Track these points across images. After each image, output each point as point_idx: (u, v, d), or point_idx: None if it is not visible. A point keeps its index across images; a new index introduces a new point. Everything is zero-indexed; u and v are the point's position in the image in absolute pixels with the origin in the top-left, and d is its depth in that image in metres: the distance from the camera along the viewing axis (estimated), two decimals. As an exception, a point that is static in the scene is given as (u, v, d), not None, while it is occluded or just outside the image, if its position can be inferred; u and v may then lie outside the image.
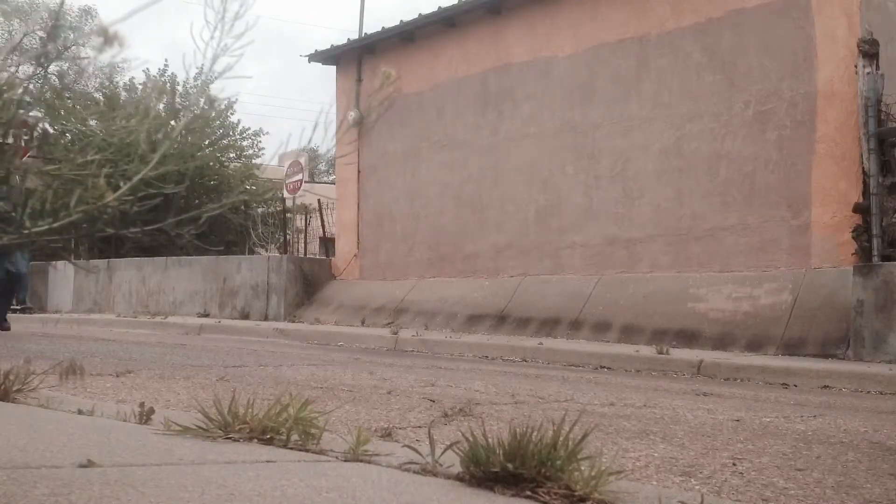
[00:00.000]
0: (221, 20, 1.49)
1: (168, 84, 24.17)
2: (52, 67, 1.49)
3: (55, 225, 1.41)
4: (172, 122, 1.58)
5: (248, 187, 20.41)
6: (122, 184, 1.45)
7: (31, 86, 1.46)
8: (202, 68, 1.53)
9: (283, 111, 67.13)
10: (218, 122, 21.23)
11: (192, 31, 1.51)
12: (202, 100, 1.73)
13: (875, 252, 8.14)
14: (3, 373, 3.12)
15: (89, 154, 1.44)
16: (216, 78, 1.55)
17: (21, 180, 1.42)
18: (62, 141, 1.54)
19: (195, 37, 1.50)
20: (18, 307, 15.69)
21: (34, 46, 1.53)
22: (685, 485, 2.51)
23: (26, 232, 1.39)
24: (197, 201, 17.14)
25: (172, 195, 1.58)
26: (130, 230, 1.55)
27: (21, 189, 1.40)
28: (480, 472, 1.95)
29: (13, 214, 1.39)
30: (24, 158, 1.50)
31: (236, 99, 28.68)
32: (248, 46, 1.51)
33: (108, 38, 1.42)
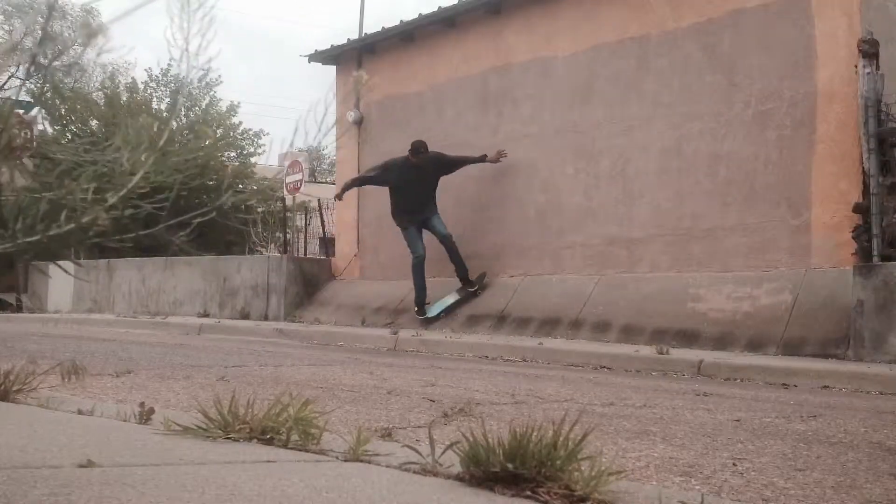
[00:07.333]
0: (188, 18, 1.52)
1: (174, 84, 24.21)
2: (54, 65, 1.51)
3: (47, 235, 1.44)
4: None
5: (241, 186, 20.37)
6: (110, 196, 1.48)
7: (30, 84, 1.49)
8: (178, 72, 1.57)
9: (281, 111, 67.10)
10: (214, 127, 21.28)
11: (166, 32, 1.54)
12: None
13: (875, 252, 8.13)
14: (3, 373, 3.12)
15: (82, 183, 1.47)
16: (194, 78, 1.58)
17: (15, 193, 1.45)
18: (54, 156, 1.56)
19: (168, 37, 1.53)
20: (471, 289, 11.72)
21: (31, 46, 1.53)
22: (685, 485, 2.51)
23: (20, 241, 1.41)
24: (197, 201, 17.15)
25: (168, 199, 1.60)
26: (122, 237, 1.56)
27: (15, 203, 1.43)
28: (480, 472, 1.95)
29: (8, 225, 1.41)
30: (24, 160, 1.51)
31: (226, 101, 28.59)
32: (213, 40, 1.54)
33: (92, 31, 1.42)
